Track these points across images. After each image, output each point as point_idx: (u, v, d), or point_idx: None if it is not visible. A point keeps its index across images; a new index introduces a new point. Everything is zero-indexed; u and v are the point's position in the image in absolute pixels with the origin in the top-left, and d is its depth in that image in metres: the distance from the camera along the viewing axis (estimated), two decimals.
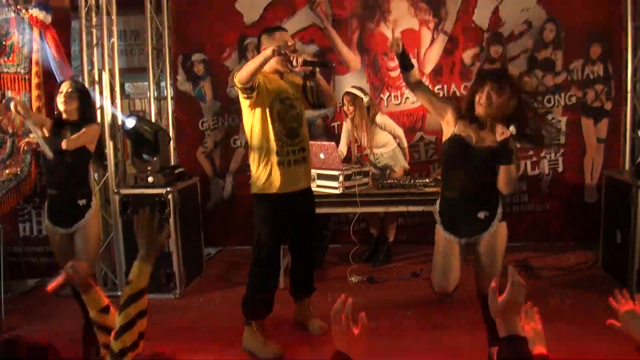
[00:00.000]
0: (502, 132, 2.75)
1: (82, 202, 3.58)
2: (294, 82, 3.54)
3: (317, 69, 3.38)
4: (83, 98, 3.60)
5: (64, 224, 3.57)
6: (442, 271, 3.06)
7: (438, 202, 3.12)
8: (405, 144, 5.02)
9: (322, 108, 3.90)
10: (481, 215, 2.94)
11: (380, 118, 4.89)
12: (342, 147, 4.97)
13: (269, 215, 3.46)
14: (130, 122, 4.45)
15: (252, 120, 3.41)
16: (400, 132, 4.97)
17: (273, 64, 3.37)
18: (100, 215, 3.76)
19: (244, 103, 3.38)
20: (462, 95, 2.92)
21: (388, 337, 3.60)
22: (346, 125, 5.00)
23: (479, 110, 2.85)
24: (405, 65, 3.04)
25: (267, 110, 3.36)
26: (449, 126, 2.99)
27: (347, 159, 4.99)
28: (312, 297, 3.86)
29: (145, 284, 1.88)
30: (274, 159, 3.39)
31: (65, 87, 3.55)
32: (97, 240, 3.78)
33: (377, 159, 4.95)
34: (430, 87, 5.28)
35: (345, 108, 4.85)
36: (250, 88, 3.25)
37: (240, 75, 3.22)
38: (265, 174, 3.42)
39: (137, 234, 1.94)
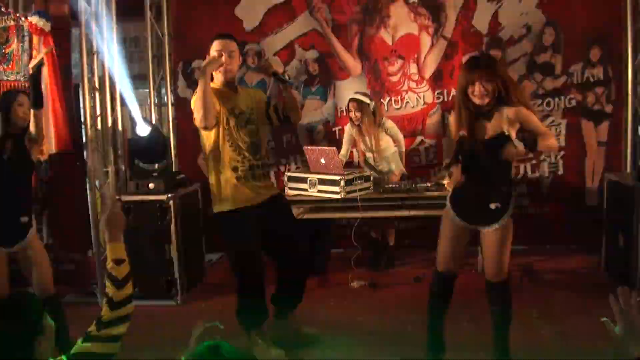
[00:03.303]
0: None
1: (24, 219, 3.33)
2: (251, 96, 3.47)
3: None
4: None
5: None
6: (449, 255, 3.08)
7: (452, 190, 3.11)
8: (404, 148, 5.02)
9: (289, 123, 3.67)
10: (492, 206, 2.93)
11: (387, 122, 4.90)
12: (344, 152, 4.96)
13: (238, 231, 3.35)
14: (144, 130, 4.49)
15: (209, 136, 3.32)
16: (401, 136, 4.98)
17: (220, 78, 3.36)
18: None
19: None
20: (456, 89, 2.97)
21: (390, 342, 3.58)
22: (349, 130, 4.99)
23: (476, 101, 2.87)
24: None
25: (221, 127, 3.29)
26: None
27: (348, 164, 4.98)
28: (314, 302, 3.83)
29: (126, 260, 1.98)
30: (233, 174, 3.33)
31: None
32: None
33: (376, 162, 4.93)
34: (432, 95, 5.32)
35: (351, 114, 4.82)
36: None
37: (200, 121, 3.17)
38: (224, 189, 3.35)
39: (103, 225, 1.98)
